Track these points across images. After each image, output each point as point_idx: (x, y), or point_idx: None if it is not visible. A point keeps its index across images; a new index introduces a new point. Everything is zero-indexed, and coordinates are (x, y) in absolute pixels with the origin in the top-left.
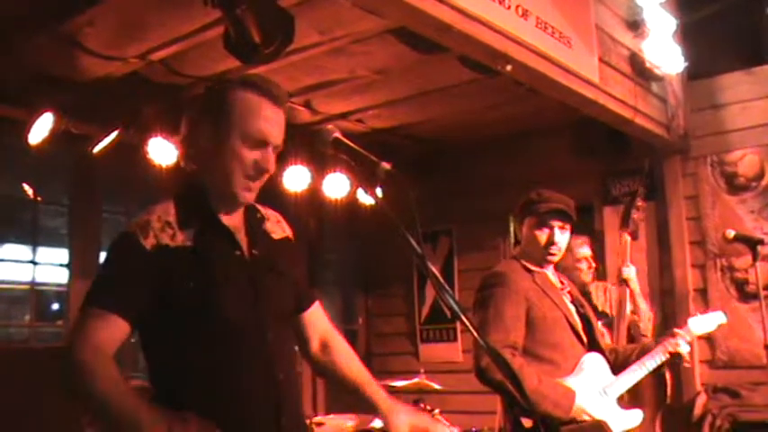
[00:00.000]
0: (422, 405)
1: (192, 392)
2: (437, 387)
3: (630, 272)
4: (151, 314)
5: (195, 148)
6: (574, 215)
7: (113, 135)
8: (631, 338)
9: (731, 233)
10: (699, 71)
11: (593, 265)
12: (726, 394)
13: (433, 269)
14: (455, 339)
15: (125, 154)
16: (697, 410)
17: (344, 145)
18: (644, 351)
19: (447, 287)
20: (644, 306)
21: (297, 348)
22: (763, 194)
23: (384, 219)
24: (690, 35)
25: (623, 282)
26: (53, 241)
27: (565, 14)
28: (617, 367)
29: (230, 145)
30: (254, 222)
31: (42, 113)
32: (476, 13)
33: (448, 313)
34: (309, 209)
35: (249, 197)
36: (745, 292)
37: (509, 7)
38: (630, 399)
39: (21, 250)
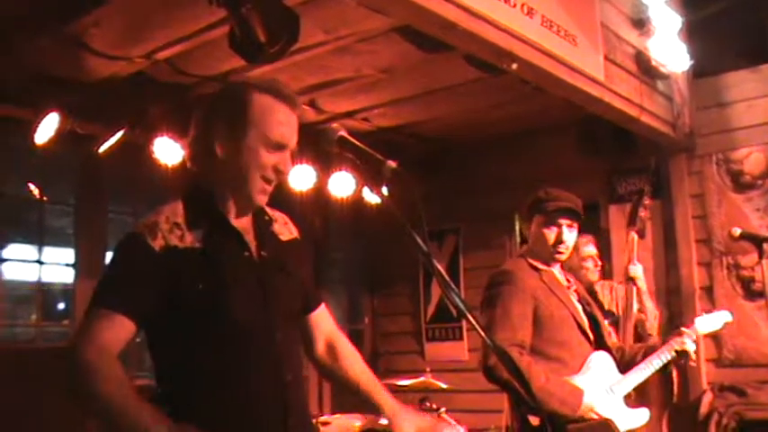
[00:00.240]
0: (428, 404)
1: (200, 393)
2: (443, 386)
3: (637, 270)
4: (159, 315)
5: (206, 148)
6: (582, 214)
7: (119, 135)
8: (638, 337)
9: (737, 231)
10: (704, 69)
11: (599, 263)
12: (732, 393)
13: (439, 267)
14: (461, 338)
15: (131, 154)
16: (703, 409)
17: (350, 144)
18: (650, 350)
19: (453, 286)
20: (650, 305)
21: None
22: None
23: (390, 217)
24: (695, 33)
25: (630, 280)
26: (59, 241)
27: (570, 12)
28: (623, 366)
29: (248, 147)
30: (262, 224)
31: (48, 113)
32: (481, 12)
33: (454, 312)
34: (315, 208)
35: (263, 200)
36: (751, 291)
37: (514, 5)
38: (637, 397)
39: (27, 250)
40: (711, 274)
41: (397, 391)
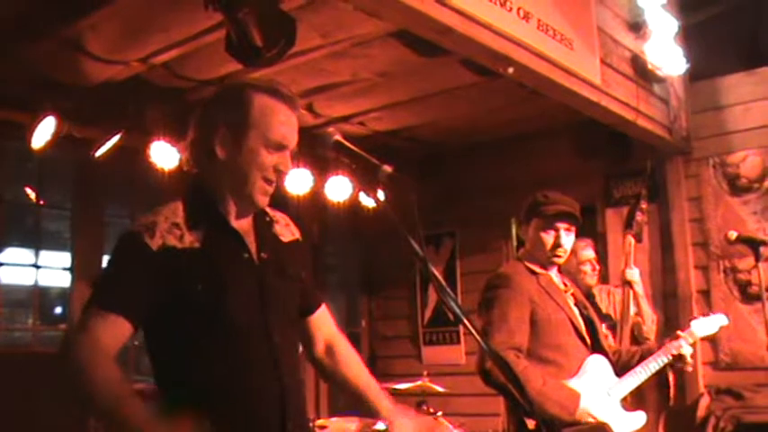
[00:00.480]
0: (425, 408)
1: (198, 395)
2: (440, 390)
3: (634, 274)
4: (157, 315)
5: (206, 150)
6: (580, 217)
7: (116, 139)
8: (635, 340)
9: (734, 235)
10: (700, 72)
11: (598, 267)
12: (729, 396)
13: (435, 272)
14: (458, 342)
15: (128, 157)
16: (700, 412)
17: (346, 148)
18: (647, 353)
19: (449, 290)
20: (647, 308)
21: (301, 351)
22: (765, 196)
23: (386, 221)
24: (691, 36)
25: (627, 284)
26: (56, 245)
27: (566, 16)
28: (620, 369)
29: (249, 148)
30: (262, 225)
31: (45, 117)
32: (477, 16)
33: (450, 316)
34: (312, 212)
35: (264, 201)
36: (747, 294)
37: (510, 9)
38: (634, 401)
39: (24, 254)
40: (708, 277)
41: (394, 395)
